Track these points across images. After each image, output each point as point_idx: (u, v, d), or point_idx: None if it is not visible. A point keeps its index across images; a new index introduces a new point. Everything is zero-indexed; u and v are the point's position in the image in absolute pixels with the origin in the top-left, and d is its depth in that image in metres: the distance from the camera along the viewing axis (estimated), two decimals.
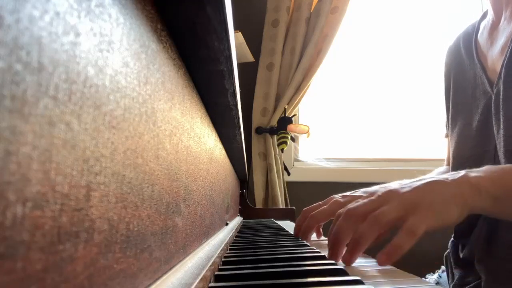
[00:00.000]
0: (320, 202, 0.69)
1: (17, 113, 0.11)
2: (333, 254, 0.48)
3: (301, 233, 0.65)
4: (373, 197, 0.51)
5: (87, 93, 0.15)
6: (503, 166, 0.55)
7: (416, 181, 0.52)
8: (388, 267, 0.43)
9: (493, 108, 0.67)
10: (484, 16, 0.80)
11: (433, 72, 1.87)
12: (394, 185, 0.53)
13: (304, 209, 0.70)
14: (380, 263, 0.43)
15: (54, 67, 0.13)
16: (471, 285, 0.70)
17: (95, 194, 0.16)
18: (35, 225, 0.12)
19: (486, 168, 0.54)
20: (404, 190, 0.49)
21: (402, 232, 0.44)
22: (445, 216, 0.47)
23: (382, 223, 0.46)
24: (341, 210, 0.52)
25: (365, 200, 0.51)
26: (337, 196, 0.67)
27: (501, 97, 0.65)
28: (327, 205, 0.64)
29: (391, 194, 0.49)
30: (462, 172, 0.53)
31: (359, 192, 0.70)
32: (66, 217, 0.14)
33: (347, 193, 0.66)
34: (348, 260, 0.45)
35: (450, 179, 0.51)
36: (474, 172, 0.53)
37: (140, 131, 0.22)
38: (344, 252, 0.47)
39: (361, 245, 0.46)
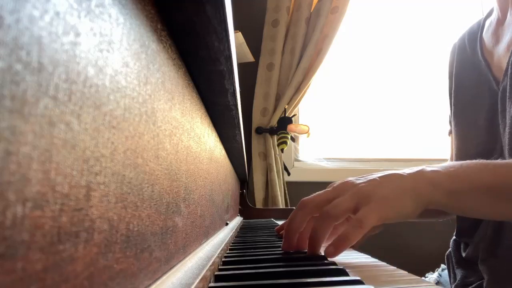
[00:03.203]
0: (320, 192, 0.68)
1: (17, 113, 0.11)
2: (286, 244, 0.49)
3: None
4: (329, 189, 0.52)
5: (87, 93, 0.15)
6: (462, 162, 0.55)
7: (373, 173, 0.52)
8: (389, 266, 0.43)
9: (499, 105, 0.67)
10: (489, 14, 0.80)
11: (433, 72, 1.87)
12: (350, 178, 0.54)
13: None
14: (327, 255, 0.44)
15: (54, 67, 0.13)
16: (474, 285, 0.69)
17: (95, 194, 0.16)
18: (35, 225, 0.12)
19: (447, 163, 0.54)
20: (359, 181, 0.50)
21: (350, 223, 0.45)
22: (399, 209, 0.47)
23: (334, 215, 0.46)
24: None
25: (319, 192, 0.52)
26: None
27: (507, 94, 0.64)
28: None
29: (346, 185, 0.50)
30: (420, 167, 0.53)
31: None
32: (66, 217, 0.14)
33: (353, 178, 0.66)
34: (312, 253, 0.47)
35: (407, 172, 0.51)
36: (432, 167, 0.53)
37: (140, 131, 0.22)
38: (295, 242, 0.49)
39: (318, 240, 0.46)
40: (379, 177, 0.50)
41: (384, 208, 0.46)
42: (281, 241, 0.63)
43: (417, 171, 0.52)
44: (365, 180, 0.50)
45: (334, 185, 0.52)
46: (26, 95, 0.11)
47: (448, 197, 0.50)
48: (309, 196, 0.52)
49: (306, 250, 0.48)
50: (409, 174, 0.51)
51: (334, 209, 0.47)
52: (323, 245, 0.48)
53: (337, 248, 0.44)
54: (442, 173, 0.51)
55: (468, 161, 0.55)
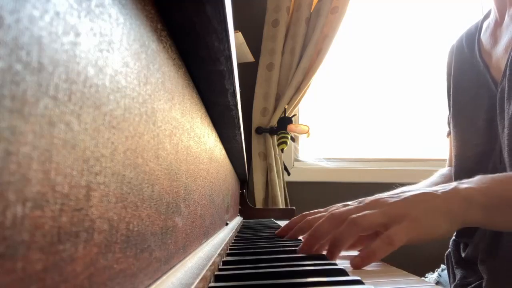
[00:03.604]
0: (321, 209, 0.69)
1: (17, 113, 0.11)
2: (304, 247, 0.48)
3: (293, 232, 0.64)
4: (360, 204, 0.51)
5: (87, 93, 0.15)
6: (493, 175, 0.54)
7: (406, 191, 0.51)
8: (389, 266, 0.43)
9: (497, 106, 0.67)
10: (487, 15, 0.80)
11: (433, 72, 1.87)
12: (381, 195, 0.53)
13: (303, 213, 0.69)
14: (352, 266, 0.43)
15: (54, 67, 0.13)
16: (473, 285, 0.69)
17: (95, 194, 0.16)
18: (35, 225, 0.12)
19: (477, 178, 0.53)
20: (393, 200, 0.49)
21: (380, 239, 0.44)
22: (431, 229, 0.46)
23: (361, 225, 0.45)
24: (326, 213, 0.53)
25: (351, 207, 0.51)
26: (339, 205, 0.66)
27: (505, 95, 0.64)
28: (327, 212, 0.64)
29: (379, 202, 0.49)
30: (453, 184, 0.52)
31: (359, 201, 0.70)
32: (66, 217, 0.14)
33: (349, 202, 0.66)
34: (331, 258, 0.46)
35: (440, 191, 0.50)
36: (465, 184, 0.52)
37: (140, 131, 0.22)
38: (314, 249, 0.48)
39: (338, 245, 0.45)
40: (412, 195, 0.49)
41: (416, 228, 0.45)
42: (282, 241, 0.63)
43: (451, 190, 0.51)
44: (398, 199, 0.49)
45: (366, 201, 0.51)
46: (26, 95, 0.11)
47: (484, 213, 0.49)
48: (340, 209, 0.51)
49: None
50: (443, 193, 0.50)
51: (363, 220, 0.46)
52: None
53: (363, 261, 0.43)
54: (476, 190, 0.50)
55: (498, 175, 0.54)
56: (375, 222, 0.46)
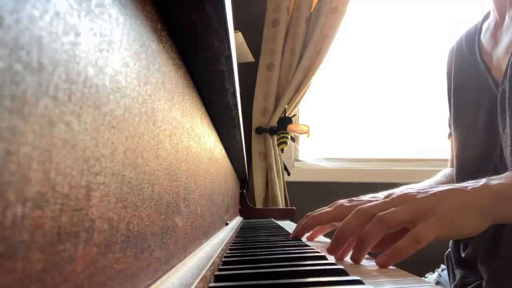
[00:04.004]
0: (325, 207, 0.68)
1: (17, 113, 0.11)
2: (332, 247, 0.47)
3: (298, 228, 0.64)
4: (387, 199, 0.49)
5: (87, 93, 0.15)
6: None
7: (434, 187, 0.50)
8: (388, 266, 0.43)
9: (498, 107, 0.67)
10: (486, 17, 0.80)
11: (433, 72, 1.87)
12: (409, 190, 0.51)
13: (308, 213, 0.69)
14: (378, 264, 0.42)
15: (54, 67, 0.13)
16: (473, 285, 0.69)
17: (95, 194, 0.16)
18: (35, 225, 0.12)
19: (506, 174, 0.52)
20: (420, 195, 0.47)
21: (407, 237, 0.43)
22: (460, 227, 0.45)
23: (389, 223, 0.44)
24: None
25: (377, 202, 0.49)
26: (343, 201, 0.66)
27: (506, 95, 0.65)
28: (331, 208, 0.63)
29: (406, 197, 0.48)
30: (482, 181, 0.51)
31: (367, 197, 0.70)
32: (66, 217, 0.14)
33: (354, 198, 0.65)
34: (355, 259, 0.44)
35: (470, 187, 0.49)
36: (496, 180, 0.51)
37: (140, 131, 0.22)
38: (342, 249, 0.47)
39: (365, 244, 0.44)
40: (440, 191, 0.47)
41: (444, 226, 0.44)
42: (282, 241, 0.63)
43: (482, 185, 0.49)
44: (426, 194, 0.47)
45: (393, 196, 0.49)
46: (26, 95, 0.11)
47: None
48: (366, 205, 0.49)
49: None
50: (473, 188, 0.48)
51: (390, 217, 0.44)
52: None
53: (389, 260, 0.42)
54: (508, 185, 0.49)
55: None
56: (402, 219, 0.44)
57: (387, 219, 0.44)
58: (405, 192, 0.50)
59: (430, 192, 0.48)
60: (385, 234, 0.45)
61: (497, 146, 0.68)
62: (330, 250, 0.47)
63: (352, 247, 0.46)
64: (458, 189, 0.49)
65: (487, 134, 0.71)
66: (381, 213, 0.45)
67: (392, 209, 0.46)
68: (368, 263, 0.46)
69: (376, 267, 0.43)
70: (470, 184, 0.50)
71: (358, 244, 0.45)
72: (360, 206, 0.50)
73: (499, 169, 0.67)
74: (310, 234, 0.66)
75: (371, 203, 0.49)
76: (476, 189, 0.49)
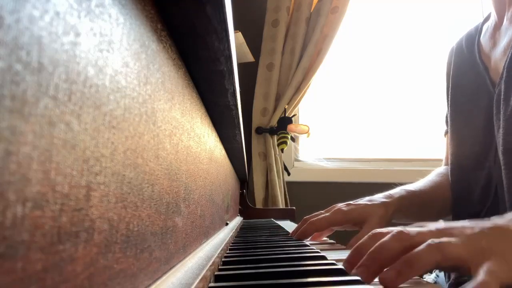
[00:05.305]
0: (322, 211, 0.68)
1: (17, 113, 0.11)
2: (362, 269, 0.38)
3: (296, 236, 0.64)
4: (432, 229, 0.41)
5: (87, 93, 0.15)
6: None
7: (479, 222, 0.42)
8: None
9: (494, 107, 0.68)
10: (487, 18, 0.81)
11: (433, 72, 1.87)
12: (452, 225, 0.42)
13: (305, 217, 0.69)
14: None
15: (54, 67, 0.13)
16: (467, 282, 0.69)
17: (95, 194, 0.16)
18: (35, 225, 0.12)
19: None
20: (468, 231, 0.40)
21: (484, 275, 0.35)
22: None
23: (447, 254, 0.37)
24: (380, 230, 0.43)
25: (423, 229, 0.41)
26: (340, 205, 0.66)
27: (502, 96, 0.65)
28: (329, 213, 0.63)
29: (453, 230, 0.41)
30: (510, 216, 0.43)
31: (363, 200, 0.69)
32: (66, 217, 0.14)
33: (351, 202, 0.65)
34: (392, 281, 0.35)
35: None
36: None
37: (140, 131, 0.22)
38: (374, 272, 0.37)
39: (413, 268, 0.36)
40: (488, 229, 0.41)
41: (506, 267, 0.36)
42: (282, 240, 0.63)
43: None
44: (474, 231, 0.40)
45: (438, 227, 0.41)
46: (26, 95, 0.11)
47: None
48: (410, 230, 0.40)
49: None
50: None
51: (450, 248, 0.37)
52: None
53: None
54: None
55: None
56: (461, 255, 0.37)
57: (446, 249, 0.37)
58: (447, 225, 0.43)
59: (478, 229, 0.41)
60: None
61: (493, 145, 0.69)
62: (358, 269, 0.38)
63: (392, 269, 0.37)
64: (506, 227, 0.42)
65: (483, 134, 0.72)
66: (436, 240, 0.38)
67: (447, 239, 0.38)
68: None
69: None
70: (509, 217, 0.43)
71: (403, 266, 0.36)
72: (400, 229, 0.41)
73: (492, 168, 0.67)
74: (309, 239, 0.66)
75: (416, 229, 0.41)
76: None
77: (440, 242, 0.37)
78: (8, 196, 0.11)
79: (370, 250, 0.39)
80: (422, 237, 0.39)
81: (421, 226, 0.42)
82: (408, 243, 0.38)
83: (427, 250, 0.37)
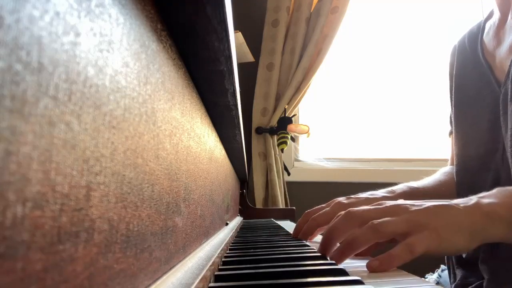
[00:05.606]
0: (323, 205, 0.69)
1: (17, 113, 0.11)
2: (321, 250, 0.48)
3: (301, 234, 0.65)
4: (379, 207, 0.49)
5: (87, 93, 0.15)
6: None
7: (428, 201, 0.50)
8: None
9: (501, 107, 0.67)
10: (489, 16, 0.80)
11: (434, 72, 1.87)
12: (402, 201, 0.51)
13: (306, 211, 0.69)
14: (369, 268, 0.42)
15: (54, 67, 0.13)
16: (474, 285, 0.69)
17: (95, 194, 0.16)
18: (35, 225, 0.12)
19: (497, 191, 0.52)
20: (414, 208, 0.48)
21: (401, 245, 0.43)
22: (449, 243, 0.45)
23: (382, 232, 0.44)
24: (342, 212, 0.51)
25: (370, 207, 0.49)
26: (341, 198, 0.66)
27: (509, 96, 0.64)
28: (330, 208, 0.63)
29: (400, 208, 0.48)
30: (474, 199, 0.50)
31: (365, 194, 0.69)
32: (66, 217, 0.14)
33: (352, 196, 0.65)
34: (337, 259, 0.44)
35: (462, 205, 0.49)
36: (487, 198, 0.50)
37: (140, 131, 0.22)
38: (332, 251, 0.47)
39: (353, 247, 0.44)
40: (434, 206, 0.48)
41: (436, 240, 0.44)
42: (282, 240, 0.63)
43: (473, 205, 0.49)
44: (420, 207, 0.47)
45: (386, 204, 0.49)
46: (26, 95, 0.11)
47: (506, 229, 0.47)
48: (357, 208, 0.49)
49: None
50: (465, 207, 0.48)
51: (384, 227, 0.44)
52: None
53: (381, 266, 0.42)
54: (499, 205, 0.49)
55: None
56: (396, 231, 0.45)
57: (381, 228, 0.44)
58: (399, 203, 0.50)
59: (424, 206, 0.48)
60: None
61: (500, 146, 0.68)
62: (320, 251, 0.48)
63: (337, 248, 0.46)
64: (450, 206, 0.48)
65: (489, 134, 0.71)
66: (375, 221, 0.45)
67: (387, 218, 0.45)
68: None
69: None
70: (461, 201, 0.50)
71: (345, 247, 0.45)
72: (351, 209, 0.50)
73: (500, 169, 0.67)
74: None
75: (363, 208, 0.49)
76: (468, 208, 0.48)
77: (379, 222, 0.45)
78: (8, 196, 0.11)
79: (326, 233, 0.49)
80: (368, 215, 0.47)
81: (379, 205, 0.50)
82: (354, 222, 0.47)
83: (365, 231, 0.45)
